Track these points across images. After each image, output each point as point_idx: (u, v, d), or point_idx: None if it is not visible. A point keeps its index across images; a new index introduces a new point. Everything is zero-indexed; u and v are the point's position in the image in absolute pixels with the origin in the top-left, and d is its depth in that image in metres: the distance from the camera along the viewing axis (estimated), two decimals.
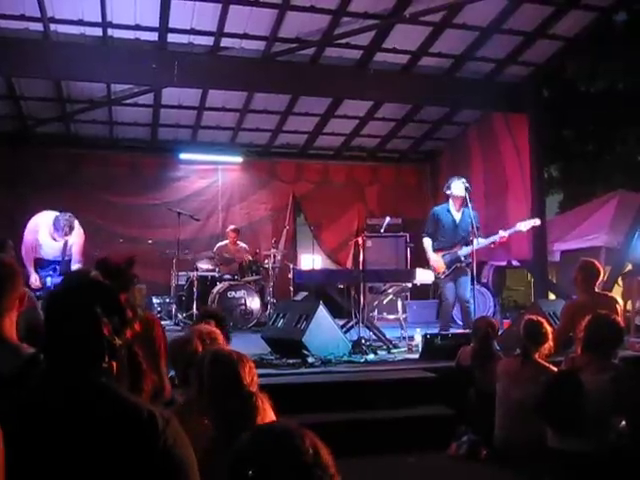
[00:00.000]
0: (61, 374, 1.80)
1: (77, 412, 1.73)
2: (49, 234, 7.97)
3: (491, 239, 8.17)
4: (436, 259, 8.22)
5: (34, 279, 7.81)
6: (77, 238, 8.12)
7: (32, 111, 10.74)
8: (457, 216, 8.28)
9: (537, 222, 8.44)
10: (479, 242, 8.03)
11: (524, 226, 8.24)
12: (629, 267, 10.24)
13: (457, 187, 8.18)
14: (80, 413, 1.73)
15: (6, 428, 1.58)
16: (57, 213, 7.97)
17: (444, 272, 8.17)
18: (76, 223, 8.00)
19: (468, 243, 8.02)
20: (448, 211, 8.38)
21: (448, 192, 8.31)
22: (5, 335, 2.34)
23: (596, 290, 6.15)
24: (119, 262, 4.15)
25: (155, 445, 1.69)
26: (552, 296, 10.37)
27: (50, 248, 8.06)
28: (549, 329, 5.06)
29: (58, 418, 1.72)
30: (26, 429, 1.69)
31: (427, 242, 8.39)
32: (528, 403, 4.44)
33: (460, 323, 8.97)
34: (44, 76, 9.23)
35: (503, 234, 8.07)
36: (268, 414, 3.02)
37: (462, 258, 8.07)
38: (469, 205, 8.08)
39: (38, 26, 8.37)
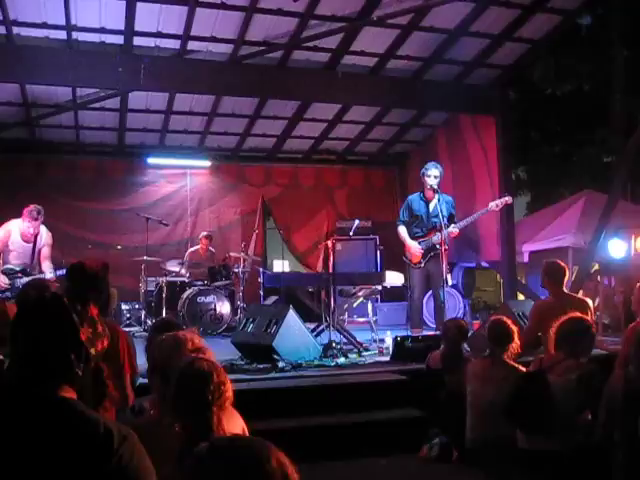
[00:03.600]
0: (20, 386, 1.77)
1: (32, 425, 1.69)
2: (19, 233, 8.02)
3: (477, 214, 8.45)
4: (415, 246, 8.33)
5: (1, 280, 7.75)
6: (46, 239, 8.19)
7: None
8: (431, 204, 8.39)
9: (509, 200, 8.56)
10: (465, 221, 8.35)
11: (496, 205, 8.38)
12: (596, 267, 10.35)
13: (432, 173, 8.31)
14: (35, 426, 1.68)
15: None
16: None
17: (420, 261, 8.26)
18: (42, 217, 8.05)
19: (441, 230, 8.08)
20: (422, 199, 8.52)
21: (423, 177, 8.42)
22: None
23: (565, 290, 6.20)
24: (95, 267, 4.11)
25: (109, 462, 1.65)
26: (521, 297, 10.45)
27: (19, 253, 8.03)
28: (514, 329, 5.06)
29: (11, 431, 1.68)
30: None
31: (402, 229, 8.51)
32: (498, 404, 4.45)
33: (431, 325, 9.00)
34: (7, 80, 9.08)
35: (492, 206, 8.40)
36: (234, 423, 2.98)
37: (437, 246, 8.13)
38: (439, 192, 8.26)
39: (1, 29, 8.24)
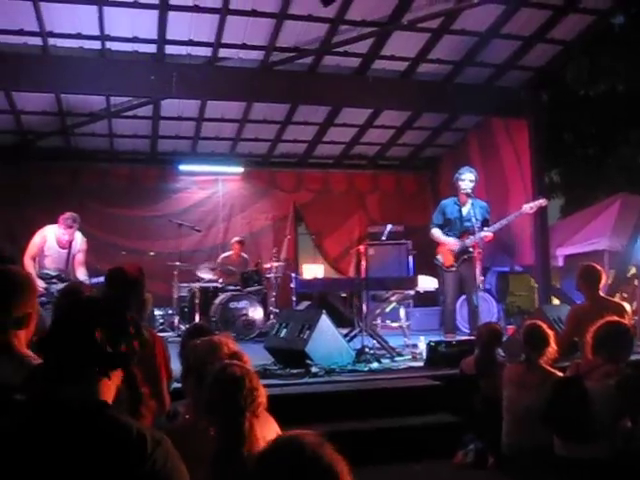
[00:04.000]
0: (53, 389, 1.77)
1: (64, 430, 1.69)
2: (55, 239, 8.11)
3: (511, 217, 8.36)
4: (451, 240, 8.30)
5: (38, 284, 7.83)
6: (81, 245, 8.28)
7: (32, 125, 10.74)
8: (464, 208, 8.34)
9: (544, 202, 8.45)
10: (499, 223, 8.26)
11: (530, 207, 8.28)
12: (633, 270, 10.20)
13: (466, 177, 8.26)
14: (68, 432, 1.69)
15: None
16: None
17: (453, 265, 8.22)
18: (78, 225, 8.16)
19: (474, 233, 8.03)
20: (455, 203, 8.48)
21: (457, 181, 8.37)
22: (13, 346, 2.31)
23: (601, 294, 6.11)
24: (134, 273, 4.17)
25: (143, 467, 1.64)
26: (556, 301, 10.33)
27: (55, 258, 8.13)
28: (550, 333, 4.99)
29: (44, 436, 1.68)
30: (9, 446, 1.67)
31: (436, 230, 8.50)
32: (535, 410, 4.40)
33: (465, 330, 8.93)
34: (44, 90, 9.24)
35: (526, 208, 8.27)
36: (268, 428, 2.98)
37: (470, 249, 8.07)
38: (473, 196, 8.20)
39: (37, 40, 8.40)
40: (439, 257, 8.49)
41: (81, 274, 8.16)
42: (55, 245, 8.16)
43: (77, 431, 1.68)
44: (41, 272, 8.00)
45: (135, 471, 1.63)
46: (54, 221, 8.27)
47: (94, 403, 1.77)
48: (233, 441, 2.59)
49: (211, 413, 2.70)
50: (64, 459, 1.64)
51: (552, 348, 4.93)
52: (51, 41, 8.45)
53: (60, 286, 7.75)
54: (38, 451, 1.66)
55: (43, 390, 1.81)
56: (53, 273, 8.04)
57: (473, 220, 8.01)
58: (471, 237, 8.09)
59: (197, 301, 10.04)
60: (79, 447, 1.66)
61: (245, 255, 11.36)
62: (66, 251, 8.22)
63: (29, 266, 7.83)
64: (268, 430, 3.03)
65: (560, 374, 4.79)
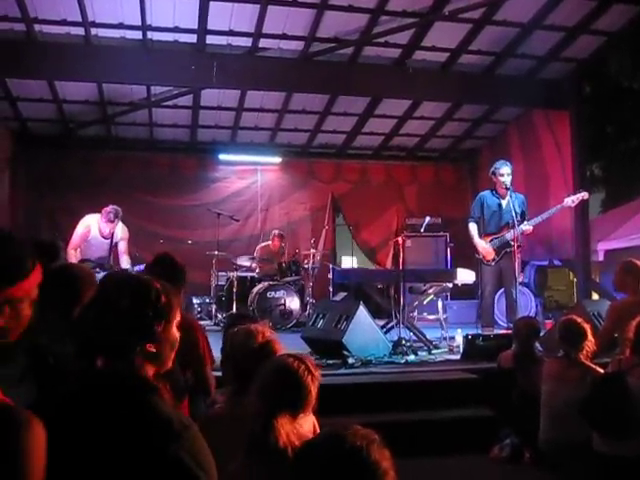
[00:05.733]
0: (89, 368, 1.80)
1: (96, 406, 1.72)
2: (98, 229, 8.28)
3: (552, 210, 8.25)
4: (484, 246, 8.21)
5: (70, 253, 8.03)
6: (123, 234, 8.47)
7: (74, 114, 10.88)
8: (503, 200, 8.25)
9: (585, 195, 8.32)
10: (540, 217, 8.16)
11: (572, 201, 8.16)
12: None
13: (504, 171, 8.19)
14: (98, 407, 1.71)
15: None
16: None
17: (494, 259, 8.15)
18: (120, 219, 8.35)
19: (514, 227, 7.94)
20: (493, 195, 8.39)
21: (494, 176, 8.30)
22: None
23: None
24: (175, 261, 4.25)
25: (167, 449, 1.64)
26: (595, 296, 10.20)
27: (97, 247, 8.28)
28: (586, 327, 4.91)
29: (78, 410, 1.72)
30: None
31: (473, 227, 8.39)
32: (573, 405, 4.35)
33: (502, 324, 8.87)
34: (85, 79, 9.36)
35: (568, 201, 8.16)
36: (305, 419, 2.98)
37: (511, 242, 7.99)
38: (511, 189, 8.12)
39: (79, 30, 8.49)
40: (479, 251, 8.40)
41: (124, 262, 8.28)
42: (98, 235, 8.30)
43: (108, 408, 1.70)
44: (83, 259, 8.12)
45: (160, 452, 1.63)
46: (96, 210, 8.39)
47: (126, 381, 1.78)
48: (268, 433, 2.59)
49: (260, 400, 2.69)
50: (94, 433, 1.67)
51: (590, 342, 4.86)
52: (93, 31, 8.54)
53: (101, 274, 7.87)
54: (74, 423, 1.69)
55: (82, 364, 1.83)
56: (95, 262, 8.16)
57: (512, 213, 7.93)
58: (511, 231, 8.00)
59: (235, 290, 10.10)
60: (109, 423, 1.67)
61: (283, 245, 11.39)
62: (108, 241, 8.34)
63: (72, 256, 7.96)
64: (304, 420, 3.05)
65: (600, 370, 4.73)
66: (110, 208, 8.24)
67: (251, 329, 3.25)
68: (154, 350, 1.85)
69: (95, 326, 1.81)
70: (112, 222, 8.23)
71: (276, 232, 11.43)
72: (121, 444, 1.65)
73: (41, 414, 1.52)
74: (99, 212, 8.34)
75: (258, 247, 11.32)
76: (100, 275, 7.81)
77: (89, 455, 1.66)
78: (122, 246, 8.42)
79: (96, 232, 8.31)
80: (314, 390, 2.79)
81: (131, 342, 1.82)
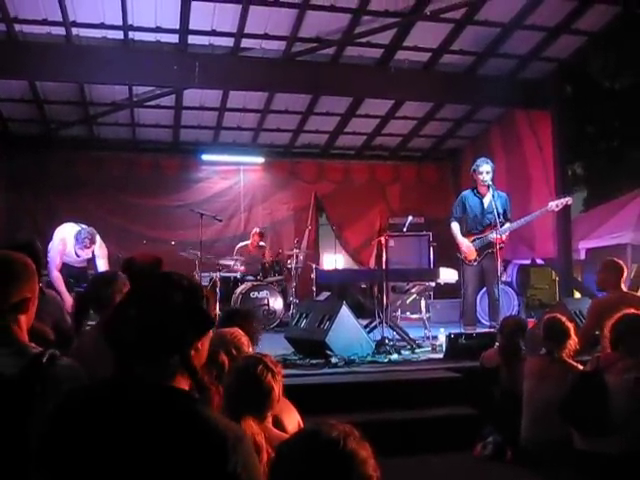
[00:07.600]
0: (129, 377, 1.68)
1: (140, 421, 1.60)
2: (73, 248, 7.99)
3: (536, 214, 8.25)
4: (467, 244, 8.21)
5: (55, 276, 7.68)
6: (101, 252, 8.09)
7: (55, 115, 10.82)
8: (485, 200, 8.24)
9: (569, 201, 8.33)
10: (523, 219, 8.15)
11: (556, 205, 8.16)
12: None
13: (484, 169, 8.17)
14: (147, 423, 1.60)
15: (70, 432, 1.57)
16: (79, 227, 7.99)
17: (475, 259, 8.16)
18: (98, 238, 8.00)
19: (497, 227, 7.95)
20: (475, 195, 8.36)
21: (474, 173, 8.28)
22: (12, 332, 2.27)
23: (623, 288, 6.07)
24: (146, 262, 4.17)
25: (224, 468, 1.54)
26: (578, 294, 10.26)
27: (76, 261, 8.09)
28: (570, 326, 4.97)
29: (116, 429, 1.59)
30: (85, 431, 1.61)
31: (455, 227, 8.38)
32: (554, 403, 4.38)
33: (485, 323, 8.91)
34: (67, 80, 9.29)
35: (552, 206, 8.11)
36: (289, 416, 2.99)
37: (494, 243, 7.99)
38: (493, 187, 8.12)
39: (60, 30, 8.44)
40: (461, 251, 8.40)
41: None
42: (73, 255, 8.03)
43: (157, 423, 1.58)
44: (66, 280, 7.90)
45: (218, 470, 1.54)
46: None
47: (172, 392, 1.67)
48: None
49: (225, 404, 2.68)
50: (137, 452, 1.55)
51: (573, 340, 4.92)
52: (74, 31, 8.49)
53: (78, 288, 7.66)
54: (109, 443, 1.58)
55: (121, 370, 1.70)
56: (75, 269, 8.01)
57: (495, 213, 7.94)
58: (494, 231, 8.00)
59: (218, 290, 10.08)
60: (157, 442, 1.56)
61: (262, 243, 11.37)
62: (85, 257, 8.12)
63: (58, 279, 7.64)
64: (290, 418, 3.06)
65: (581, 368, 4.77)
66: (84, 234, 7.83)
67: (224, 335, 3.24)
68: (200, 346, 1.77)
69: (143, 325, 1.68)
70: (88, 248, 7.91)
71: (257, 229, 11.42)
72: (176, 464, 1.53)
73: (85, 429, 1.52)
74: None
75: (237, 247, 11.30)
76: (77, 289, 7.64)
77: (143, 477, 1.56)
78: (101, 265, 8.03)
79: (71, 249, 7.95)
80: (277, 387, 2.80)
81: (187, 337, 1.72)
